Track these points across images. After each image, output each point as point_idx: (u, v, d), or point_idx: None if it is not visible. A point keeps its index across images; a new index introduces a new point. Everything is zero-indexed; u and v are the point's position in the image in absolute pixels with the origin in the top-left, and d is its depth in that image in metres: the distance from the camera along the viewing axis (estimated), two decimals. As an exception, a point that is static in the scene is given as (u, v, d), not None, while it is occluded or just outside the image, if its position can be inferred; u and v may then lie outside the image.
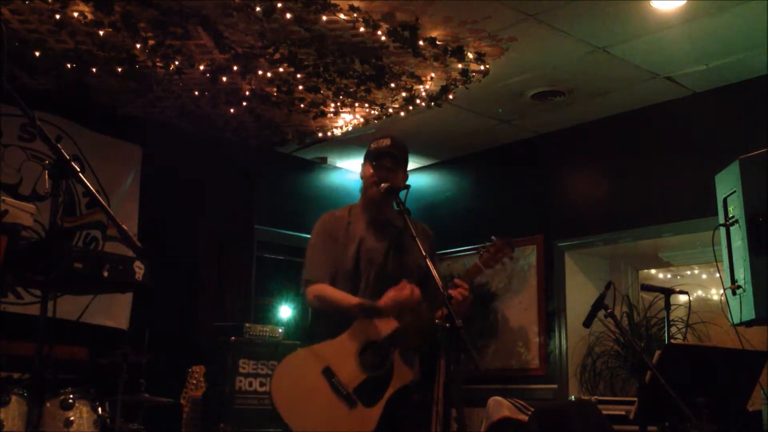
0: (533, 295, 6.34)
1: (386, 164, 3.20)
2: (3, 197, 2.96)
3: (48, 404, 4.05)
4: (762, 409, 3.87)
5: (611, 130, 6.12)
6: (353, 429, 2.84)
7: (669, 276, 7.16)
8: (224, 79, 5.35)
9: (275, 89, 5.53)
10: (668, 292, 4.18)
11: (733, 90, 5.41)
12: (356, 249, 3.15)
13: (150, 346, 4.74)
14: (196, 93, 5.66)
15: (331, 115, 5.97)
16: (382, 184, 3.12)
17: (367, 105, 5.74)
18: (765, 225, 3.38)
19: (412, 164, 7.41)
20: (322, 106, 5.81)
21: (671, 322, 4.44)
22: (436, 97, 5.61)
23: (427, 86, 5.47)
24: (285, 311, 7.26)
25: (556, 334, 6.14)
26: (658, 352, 3.35)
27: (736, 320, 3.59)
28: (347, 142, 6.65)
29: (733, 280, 3.62)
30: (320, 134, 6.39)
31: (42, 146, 5.46)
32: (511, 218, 6.67)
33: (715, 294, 6.86)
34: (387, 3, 4.47)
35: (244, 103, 5.80)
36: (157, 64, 5.14)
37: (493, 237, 3.10)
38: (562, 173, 6.45)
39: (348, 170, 7.47)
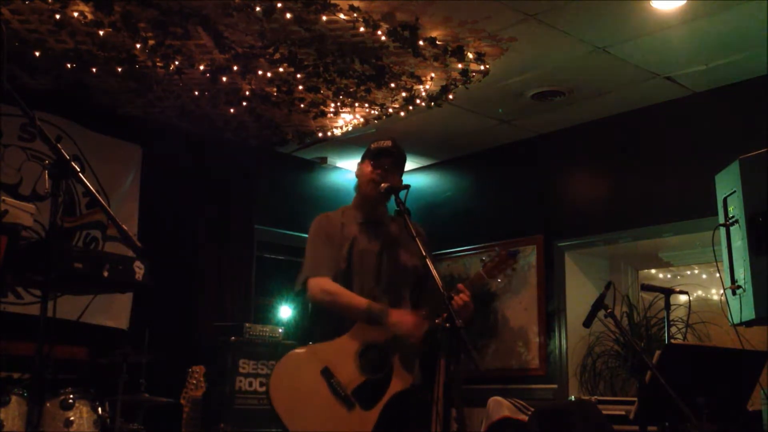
0: (533, 295, 6.34)
1: (386, 164, 3.19)
2: (3, 197, 2.96)
3: (48, 404, 4.05)
4: (762, 409, 3.87)
5: (611, 130, 6.12)
6: (351, 431, 2.84)
7: (669, 276, 7.16)
8: (224, 79, 5.35)
9: (275, 89, 5.53)
10: (668, 292, 4.18)
11: (733, 90, 5.41)
12: (348, 250, 3.14)
13: (150, 346, 4.74)
14: (196, 93, 5.66)
15: (331, 115, 5.97)
16: (383, 184, 3.12)
17: (367, 105, 5.74)
18: (765, 225, 3.38)
19: (412, 164, 7.46)
20: (322, 106, 5.81)
21: (671, 322, 4.44)
22: (436, 97, 5.61)
23: (427, 86, 5.47)
24: (285, 311, 7.26)
25: (556, 334, 6.14)
26: (658, 352, 3.35)
27: (736, 320, 3.59)
28: (347, 142, 6.65)
29: (733, 280, 3.62)
30: (320, 134, 6.39)
31: (42, 146, 5.46)
32: (511, 218, 6.67)
33: (715, 294, 6.86)
34: (387, 3, 4.47)
35: (244, 103, 5.80)
36: (157, 64, 5.14)
37: (496, 248, 3.09)
38: (562, 173, 6.45)
39: (348, 170, 7.47)
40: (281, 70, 5.19)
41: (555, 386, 6.04)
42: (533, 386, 6.14)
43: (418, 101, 5.65)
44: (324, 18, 4.54)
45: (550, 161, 6.53)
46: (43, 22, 4.64)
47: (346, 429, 2.84)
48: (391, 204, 3.10)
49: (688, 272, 7.01)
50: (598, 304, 3.41)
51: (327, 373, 2.90)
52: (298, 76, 5.27)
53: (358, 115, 6.00)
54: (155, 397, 4.73)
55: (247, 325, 5.72)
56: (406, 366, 3.00)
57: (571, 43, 4.94)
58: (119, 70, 5.23)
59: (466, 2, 4.46)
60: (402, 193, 3.03)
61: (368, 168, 3.22)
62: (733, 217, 3.61)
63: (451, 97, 5.64)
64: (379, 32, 4.67)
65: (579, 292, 6.19)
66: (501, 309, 6.53)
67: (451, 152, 7.15)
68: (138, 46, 4.89)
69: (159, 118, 6.24)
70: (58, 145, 2.29)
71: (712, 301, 6.78)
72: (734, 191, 3.60)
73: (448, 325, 2.61)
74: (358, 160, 3.34)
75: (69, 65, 5.18)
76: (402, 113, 5.87)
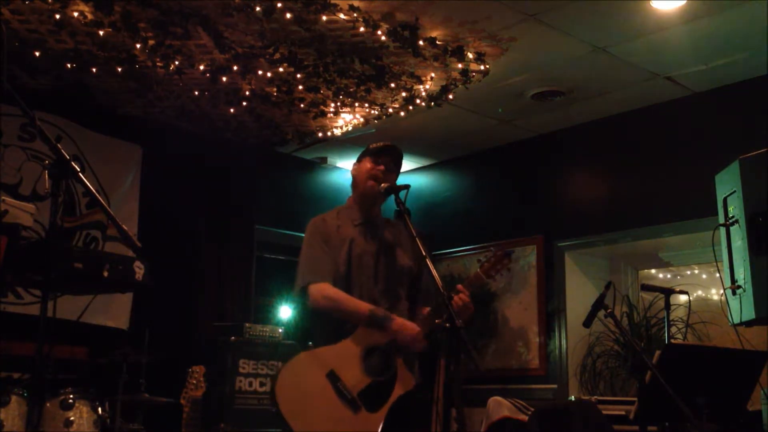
0: (533, 295, 6.34)
1: (386, 161, 3.20)
2: (3, 197, 2.96)
3: (48, 404, 4.05)
4: (762, 409, 3.87)
5: (611, 130, 6.12)
6: None
7: (669, 276, 7.16)
8: (224, 79, 5.35)
9: (275, 89, 5.53)
10: (668, 292, 4.17)
11: (733, 90, 5.41)
12: (347, 252, 3.13)
13: (150, 346, 4.74)
14: (196, 93, 5.66)
15: (331, 115, 5.97)
16: (383, 184, 3.12)
17: (367, 105, 5.74)
18: (765, 225, 3.38)
19: (412, 164, 7.46)
20: (322, 106, 5.81)
21: (671, 322, 4.44)
22: (436, 97, 5.61)
23: (427, 86, 5.47)
24: (285, 311, 7.26)
25: (556, 334, 6.14)
26: (658, 352, 3.35)
27: (736, 320, 3.59)
28: (347, 142, 6.65)
29: (733, 280, 3.62)
30: (320, 134, 6.39)
31: (42, 146, 5.46)
32: (511, 218, 6.67)
33: (715, 294, 6.86)
34: (387, 3, 4.47)
35: (244, 103, 5.80)
36: (157, 64, 5.14)
37: (491, 248, 3.10)
38: (562, 173, 6.45)
39: (348, 170, 7.43)
40: (281, 70, 5.19)
41: (555, 386, 6.04)
42: (533, 386, 6.15)
43: (418, 101, 5.65)
44: (324, 18, 4.54)
45: (550, 161, 6.53)
46: (43, 22, 4.64)
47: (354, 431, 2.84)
48: (391, 204, 3.10)
49: (688, 272, 7.01)
50: (598, 304, 3.41)
51: (333, 377, 2.90)
52: (298, 76, 5.27)
53: (358, 115, 6.00)
54: (155, 397, 4.73)
55: (247, 325, 5.72)
56: (410, 367, 3.02)
57: (571, 43, 4.94)
58: (119, 70, 5.23)
59: (466, 2, 4.46)
60: (402, 193, 3.03)
61: (368, 165, 3.22)
62: (733, 217, 3.61)
63: (451, 97, 5.64)
64: (379, 32, 4.67)
65: (579, 292, 6.19)
66: (501, 309, 6.53)
67: (451, 152, 7.15)
68: (138, 46, 4.89)
69: (159, 118, 6.24)
70: (58, 145, 2.29)
71: (712, 301, 6.78)
72: (734, 191, 3.60)
73: (448, 325, 2.61)
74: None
75: (69, 65, 5.18)
76: (402, 113, 5.87)
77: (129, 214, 5.98)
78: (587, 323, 3.51)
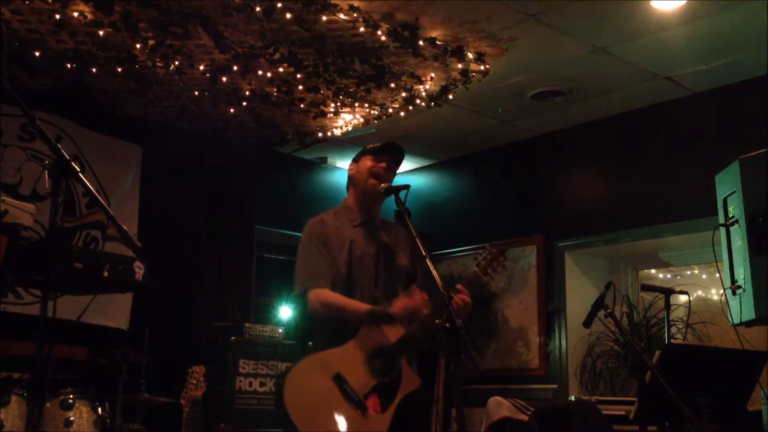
0: (533, 295, 6.34)
1: (386, 159, 3.20)
2: (3, 197, 2.96)
3: (48, 404, 4.05)
4: (762, 409, 3.87)
5: (611, 130, 6.12)
6: None
7: (669, 276, 7.16)
8: (224, 79, 5.35)
9: (275, 89, 5.53)
10: (668, 292, 4.17)
11: (733, 90, 5.41)
12: (348, 253, 3.13)
13: (150, 346, 4.74)
14: (196, 93, 5.66)
15: (331, 115, 5.98)
16: (383, 185, 3.12)
17: (367, 105, 5.74)
18: (765, 225, 3.38)
19: (412, 164, 7.46)
20: (322, 106, 5.81)
21: (671, 322, 4.44)
22: (436, 97, 5.61)
23: (427, 86, 5.47)
24: (285, 311, 7.26)
25: (556, 334, 6.14)
26: (658, 352, 3.35)
27: (736, 320, 3.59)
28: (347, 142, 6.65)
29: (733, 280, 3.62)
30: (320, 134, 6.39)
31: (42, 146, 5.46)
32: (511, 218, 6.67)
33: (715, 294, 6.86)
34: (387, 3, 4.47)
35: (244, 103, 5.80)
36: (157, 64, 5.14)
37: (486, 246, 3.12)
38: (562, 173, 6.45)
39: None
40: (281, 70, 5.19)
41: (555, 386, 6.04)
42: (533, 386, 6.15)
43: (418, 101, 5.65)
44: (324, 18, 4.54)
45: (550, 161, 6.53)
46: (43, 22, 4.64)
47: None
48: (390, 204, 3.10)
49: (688, 272, 7.01)
50: (598, 304, 3.41)
51: (339, 379, 2.90)
52: (298, 76, 5.27)
53: (358, 115, 6.00)
54: (155, 397, 4.73)
55: (247, 325, 5.72)
56: (413, 367, 3.03)
57: (571, 43, 4.94)
58: (119, 70, 5.23)
59: (466, 2, 4.46)
60: (402, 194, 3.02)
61: (369, 163, 3.20)
62: (733, 217, 3.61)
63: (451, 97, 5.64)
64: (379, 32, 4.67)
65: (579, 292, 6.19)
66: (501, 309, 6.52)
67: (451, 152, 7.15)
68: (138, 46, 4.89)
69: (159, 118, 6.24)
70: (58, 145, 2.29)
71: (712, 301, 6.78)
72: (734, 191, 3.60)
73: (448, 325, 2.61)
74: (356, 160, 3.34)
75: (69, 65, 5.18)
76: (402, 113, 5.87)
77: (129, 214, 5.98)
78: (587, 323, 3.51)
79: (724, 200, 3.71)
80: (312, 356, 3.00)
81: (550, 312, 6.21)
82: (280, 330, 5.90)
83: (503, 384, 6.10)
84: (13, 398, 3.92)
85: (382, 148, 3.23)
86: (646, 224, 5.76)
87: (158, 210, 6.11)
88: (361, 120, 6.07)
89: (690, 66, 5.21)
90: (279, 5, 4.40)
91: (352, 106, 5.78)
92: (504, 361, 6.40)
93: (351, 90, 5.48)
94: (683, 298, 4.91)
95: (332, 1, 4.38)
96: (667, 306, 4.13)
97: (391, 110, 5.84)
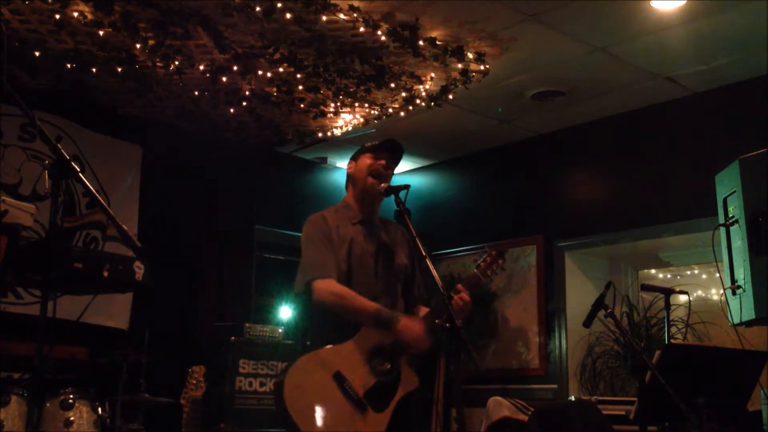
0: (533, 295, 6.34)
1: (386, 158, 3.20)
2: (3, 197, 2.96)
3: (48, 404, 4.05)
4: (762, 409, 3.87)
5: (611, 130, 6.12)
6: None
7: (669, 276, 7.17)
8: (224, 79, 5.35)
9: (275, 89, 5.53)
10: (668, 292, 4.17)
11: (733, 90, 5.41)
12: (347, 251, 3.13)
13: (150, 346, 4.74)
14: (196, 93, 5.66)
15: (331, 115, 5.98)
16: (383, 185, 3.12)
17: (367, 105, 5.74)
18: (765, 225, 3.38)
19: (412, 164, 7.46)
20: (322, 106, 5.81)
21: (671, 322, 4.44)
22: (436, 97, 5.61)
23: (427, 86, 5.47)
24: (285, 311, 7.26)
25: (556, 334, 6.14)
26: (658, 352, 3.35)
27: (736, 320, 3.59)
28: (347, 142, 6.65)
29: (733, 280, 3.62)
30: (320, 134, 6.39)
31: (42, 146, 5.46)
32: (511, 218, 6.67)
33: (715, 294, 6.87)
34: (387, 3, 4.47)
35: (244, 103, 5.80)
36: (157, 64, 5.14)
37: (486, 247, 3.13)
38: (562, 173, 6.45)
39: (348, 170, 7.46)
40: (281, 70, 5.19)
41: (555, 386, 6.04)
42: (533, 386, 6.15)
43: (418, 101, 5.65)
44: (324, 18, 4.54)
45: (550, 161, 6.53)
46: (43, 22, 4.64)
47: None
48: (390, 204, 3.10)
49: (688, 272, 7.02)
50: (598, 304, 3.41)
51: (339, 378, 2.89)
52: (298, 76, 5.27)
53: (358, 115, 6.00)
54: (155, 397, 4.73)
55: (247, 325, 5.71)
56: (412, 367, 3.03)
57: (571, 43, 4.94)
58: (119, 70, 5.23)
59: (466, 2, 4.46)
60: (402, 193, 3.02)
61: (368, 161, 3.20)
62: (733, 217, 3.61)
63: (451, 97, 5.64)
64: (379, 32, 4.67)
65: (579, 292, 6.19)
66: (501, 309, 6.52)
67: (451, 152, 7.15)
68: (138, 46, 4.89)
69: (159, 118, 6.24)
70: (58, 145, 2.29)
71: (712, 301, 6.79)
72: (734, 191, 3.61)
73: (448, 325, 2.62)
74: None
75: (69, 65, 5.18)
76: (402, 113, 5.87)
77: (129, 214, 5.98)
78: (587, 323, 3.51)
79: (724, 200, 3.71)
80: (311, 354, 2.99)
81: (550, 312, 6.21)
82: (280, 330, 5.90)
83: (503, 384, 6.10)
84: (13, 398, 3.92)
85: (381, 145, 3.23)
86: (646, 224, 5.76)
87: (158, 210, 6.11)
88: (361, 120, 6.07)
89: (690, 66, 5.21)
90: (279, 5, 4.40)
91: (352, 106, 5.78)
92: (504, 361, 6.40)
93: (351, 90, 5.48)
94: (683, 298, 4.91)
95: (332, 1, 4.38)
96: (667, 306, 4.13)
97: (391, 110, 5.84)
